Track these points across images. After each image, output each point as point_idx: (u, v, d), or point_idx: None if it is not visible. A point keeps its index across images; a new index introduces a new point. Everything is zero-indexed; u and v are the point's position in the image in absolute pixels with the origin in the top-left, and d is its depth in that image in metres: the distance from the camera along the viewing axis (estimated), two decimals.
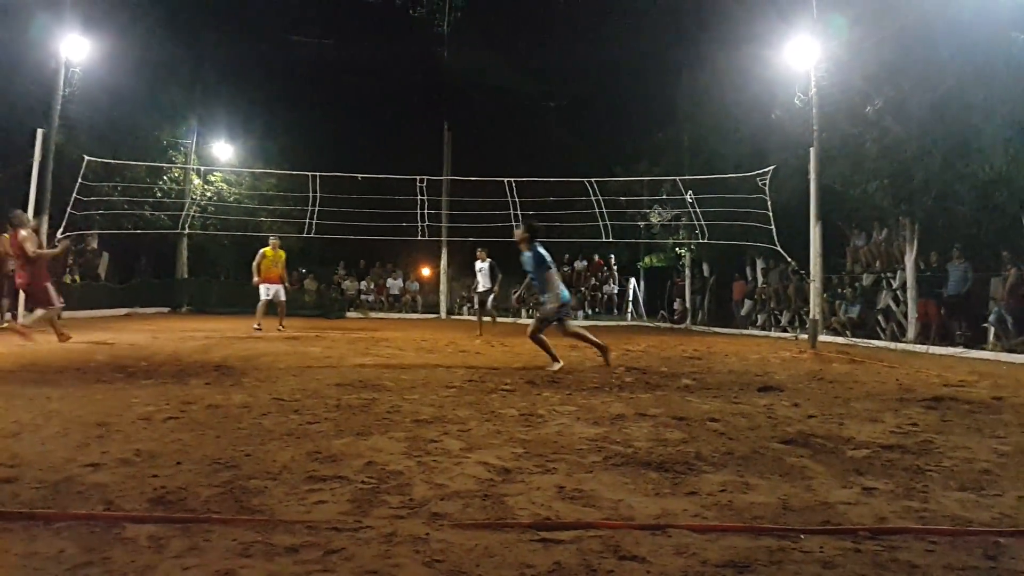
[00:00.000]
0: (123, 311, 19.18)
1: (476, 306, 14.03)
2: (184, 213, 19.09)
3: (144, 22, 19.02)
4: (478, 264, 14.02)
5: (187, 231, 20.34)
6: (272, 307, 13.96)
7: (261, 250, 14.06)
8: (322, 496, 2.83)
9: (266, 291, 13.83)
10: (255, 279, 13.87)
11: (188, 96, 23.40)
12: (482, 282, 13.93)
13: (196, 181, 22.89)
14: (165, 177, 21.79)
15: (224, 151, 24.89)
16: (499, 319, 14.10)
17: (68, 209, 13.58)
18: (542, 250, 7.82)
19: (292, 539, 2.33)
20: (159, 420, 4.27)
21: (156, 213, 19.68)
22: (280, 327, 13.69)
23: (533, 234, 7.89)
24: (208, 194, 23.01)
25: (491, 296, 14.00)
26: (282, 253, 14.32)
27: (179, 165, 22.71)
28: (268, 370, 7.08)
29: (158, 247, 23.89)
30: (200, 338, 11.23)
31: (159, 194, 20.35)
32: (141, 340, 10.45)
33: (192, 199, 21.35)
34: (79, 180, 13.87)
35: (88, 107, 16.94)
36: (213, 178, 23.74)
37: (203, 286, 24.05)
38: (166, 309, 21.97)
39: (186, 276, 24.24)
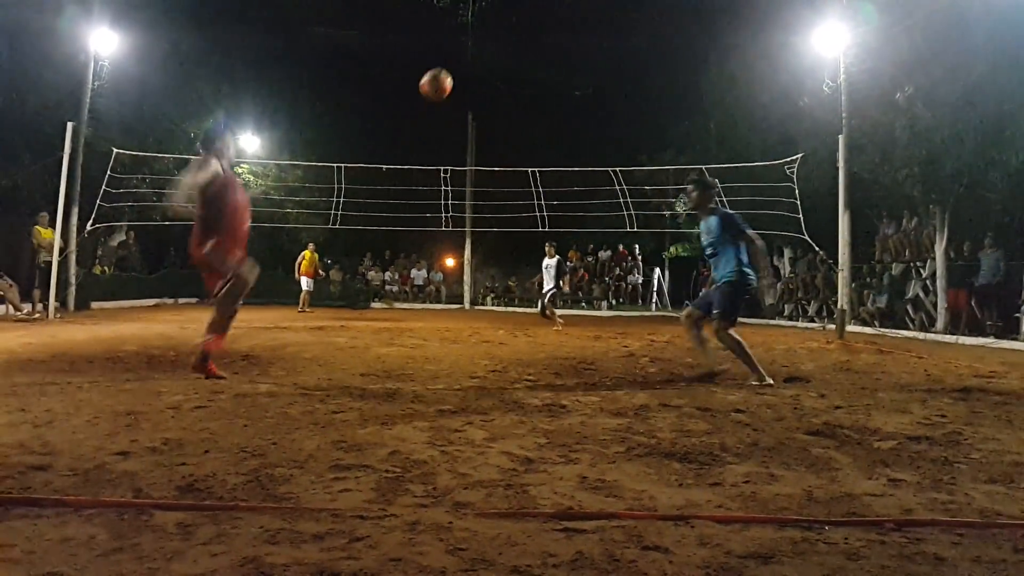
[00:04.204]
0: (153, 301, 19.47)
1: (545, 301, 13.74)
2: None
3: (172, 15, 19.18)
4: (546, 261, 13.62)
5: None
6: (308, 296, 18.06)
7: (302, 252, 18.18)
8: (347, 484, 2.86)
9: (307, 283, 18.03)
10: (297, 275, 18.05)
11: (215, 89, 23.59)
12: (548, 279, 13.62)
13: None
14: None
15: (251, 143, 25.09)
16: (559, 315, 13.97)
17: (98, 201, 13.80)
18: (729, 212, 6.37)
19: (318, 526, 2.36)
20: (187, 409, 4.33)
21: (184, 205, 19.89)
22: (303, 309, 17.62)
23: (708, 190, 6.39)
24: None
25: (554, 293, 13.75)
26: (316, 255, 18.54)
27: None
28: (294, 360, 7.16)
29: (186, 238, 24.18)
30: None
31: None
32: (170, 330, 10.60)
33: None
34: (108, 172, 14.09)
35: (117, 100, 17.14)
36: (240, 170, 23.97)
37: None
38: (195, 300, 22.26)
39: None
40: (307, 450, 3.39)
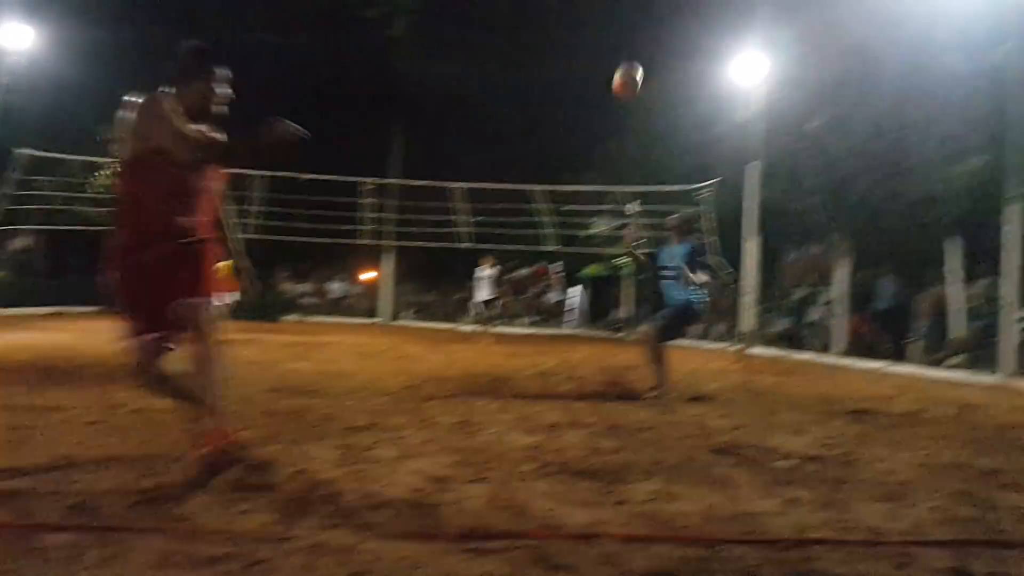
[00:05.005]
0: (52, 309, 18.49)
1: (482, 311, 14.23)
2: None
3: (88, 12, 18.39)
4: (481, 271, 14.01)
5: None
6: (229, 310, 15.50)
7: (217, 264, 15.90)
8: (248, 505, 2.78)
9: (223, 298, 15.70)
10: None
11: (132, 89, 22.69)
12: (485, 290, 14.02)
13: None
14: (101, 173, 21.12)
15: None
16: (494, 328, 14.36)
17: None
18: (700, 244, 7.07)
19: (214, 549, 2.28)
20: (81, 424, 4.14)
21: (90, 209, 19.05)
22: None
23: (689, 223, 7.15)
24: None
25: (495, 302, 14.26)
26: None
27: (116, 161, 22.03)
28: None
29: (91, 244, 23.09)
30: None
31: (101, 189, 19.70)
32: (68, 340, 10.08)
33: None
34: (13, 174, 13.37)
35: (27, 98, 16.31)
36: None
37: None
38: (96, 308, 21.24)
39: None
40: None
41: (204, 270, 3.40)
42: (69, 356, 7.82)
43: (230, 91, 3.64)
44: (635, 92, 6.87)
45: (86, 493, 2.81)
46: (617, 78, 6.69)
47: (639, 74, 6.68)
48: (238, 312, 16.13)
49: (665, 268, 6.67)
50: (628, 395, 6.38)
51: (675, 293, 6.55)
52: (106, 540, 2.31)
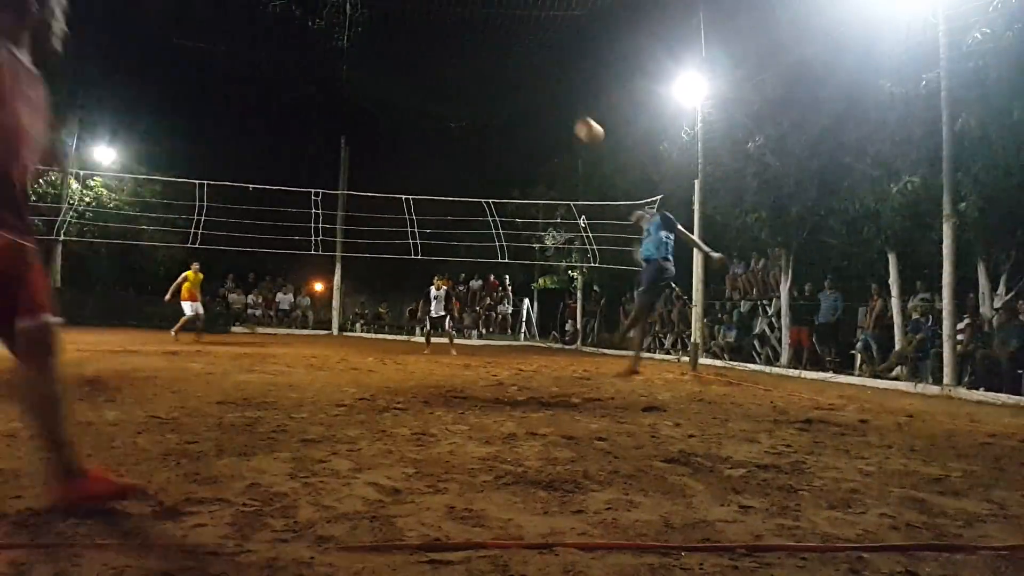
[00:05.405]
0: None
1: (428, 327, 15.56)
2: (60, 219, 17.93)
3: None
4: (434, 291, 15.05)
5: (62, 238, 19.08)
6: (193, 322, 15.51)
7: (184, 273, 15.51)
8: (200, 519, 2.71)
9: (192, 308, 15.43)
10: (168, 297, 15.43)
11: (69, 97, 22.06)
12: (436, 307, 15.12)
13: (75, 186, 21.59)
14: (41, 180, 20.47)
15: (106, 155, 23.60)
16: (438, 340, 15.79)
17: None
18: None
19: (168, 564, 2.22)
20: (25, 437, 3.97)
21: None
22: (199, 339, 15.01)
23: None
24: (87, 200, 21.75)
25: (447, 320, 15.43)
26: (201, 275, 15.81)
27: (55, 168, 21.36)
28: (144, 386, 6.72)
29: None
30: (72, 351, 10.53)
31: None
32: (6, 352, 9.68)
33: (69, 204, 20.10)
34: None
35: None
36: (93, 183, 22.47)
37: (77, 297, 22.62)
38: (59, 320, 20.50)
39: (59, 285, 22.75)
40: (157, 482, 3.18)
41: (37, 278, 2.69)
42: (7, 368, 7.51)
43: (64, 25, 2.77)
44: (592, 132, 8.72)
45: (31, 508, 2.70)
46: (583, 129, 8.71)
47: (587, 129, 8.70)
48: (192, 324, 15.84)
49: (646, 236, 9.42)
50: (582, 406, 6.41)
51: (650, 253, 9.28)
52: (54, 556, 2.23)
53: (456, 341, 16.72)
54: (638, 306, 9.92)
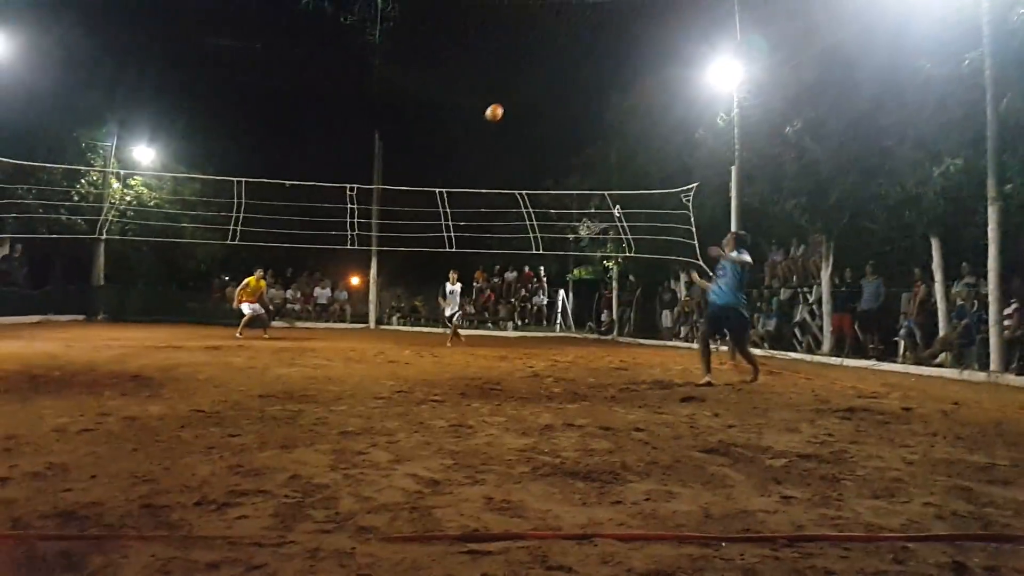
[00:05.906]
0: (36, 318, 18.30)
1: (455, 322, 15.44)
2: (102, 218, 18.32)
3: (64, 18, 18.21)
4: (449, 287, 14.96)
5: (104, 236, 19.49)
6: (255, 321, 15.98)
7: (246, 279, 16.20)
8: (244, 511, 2.76)
9: (250, 308, 15.93)
10: (236, 303, 16.12)
11: (108, 98, 22.49)
12: (453, 302, 15.03)
13: (115, 185, 22.05)
14: (83, 180, 20.95)
15: (145, 155, 24.03)
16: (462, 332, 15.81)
17: None
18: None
19: (212, 555, 2.27)
20: (73, 432, 4.09)
21: (72, 217, 18.89)
22: (265, 335, 15.45)
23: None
24: (128, 199, 22.21)
25: (459, 314, 15.41)
26: (264, 283, 16.59)
27: (97, 168, 21.83)
28: (187, 381, 6.86)
29: (73, 253, 22.88)
30: (116, 347, 10.79)
31: (76, 198, 19.57)
32: (54, 349, 9.98)
33: (111, 203, 20.54)
34: None
35: (1, 107, 16.15)
36: (133, 182, 22.92)
37: (120, 293, 23.14)
38: (81, 317, 21.04)
39: (102, 283, 23.29)
40: (201, 475, 3.25)
41: None
42: (56, 365, 7.74)
43: None
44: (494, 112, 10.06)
45: (80, 501, 2.78)
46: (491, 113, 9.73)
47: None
48: (226, 319, 16.04)
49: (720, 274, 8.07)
50: (619, 396, 6.39)
51: (727, 300, 7.97)
52: (103, 548, 2.28)
53: (481, 332, 16.62)
54: (701, 337, 8.93)
